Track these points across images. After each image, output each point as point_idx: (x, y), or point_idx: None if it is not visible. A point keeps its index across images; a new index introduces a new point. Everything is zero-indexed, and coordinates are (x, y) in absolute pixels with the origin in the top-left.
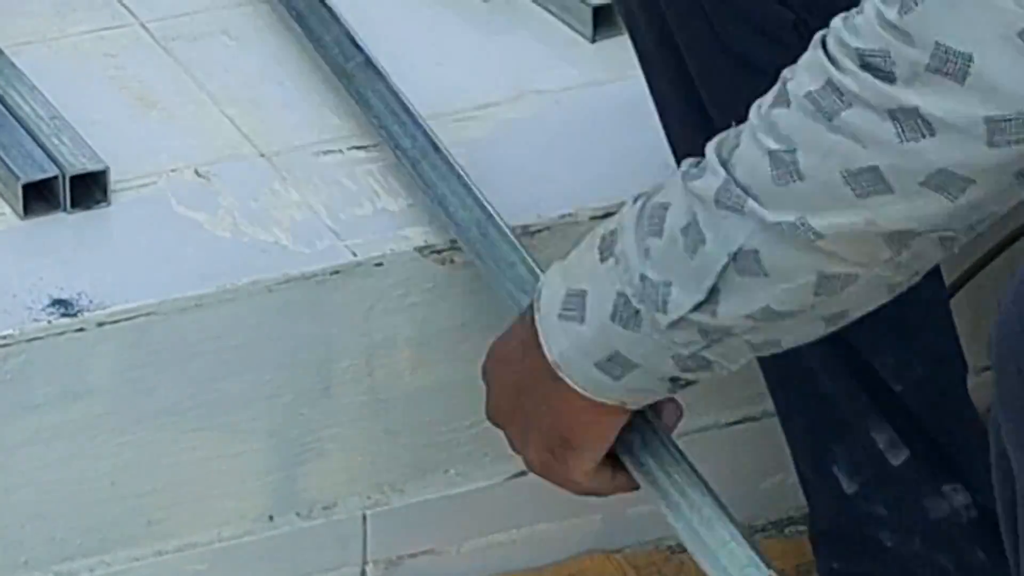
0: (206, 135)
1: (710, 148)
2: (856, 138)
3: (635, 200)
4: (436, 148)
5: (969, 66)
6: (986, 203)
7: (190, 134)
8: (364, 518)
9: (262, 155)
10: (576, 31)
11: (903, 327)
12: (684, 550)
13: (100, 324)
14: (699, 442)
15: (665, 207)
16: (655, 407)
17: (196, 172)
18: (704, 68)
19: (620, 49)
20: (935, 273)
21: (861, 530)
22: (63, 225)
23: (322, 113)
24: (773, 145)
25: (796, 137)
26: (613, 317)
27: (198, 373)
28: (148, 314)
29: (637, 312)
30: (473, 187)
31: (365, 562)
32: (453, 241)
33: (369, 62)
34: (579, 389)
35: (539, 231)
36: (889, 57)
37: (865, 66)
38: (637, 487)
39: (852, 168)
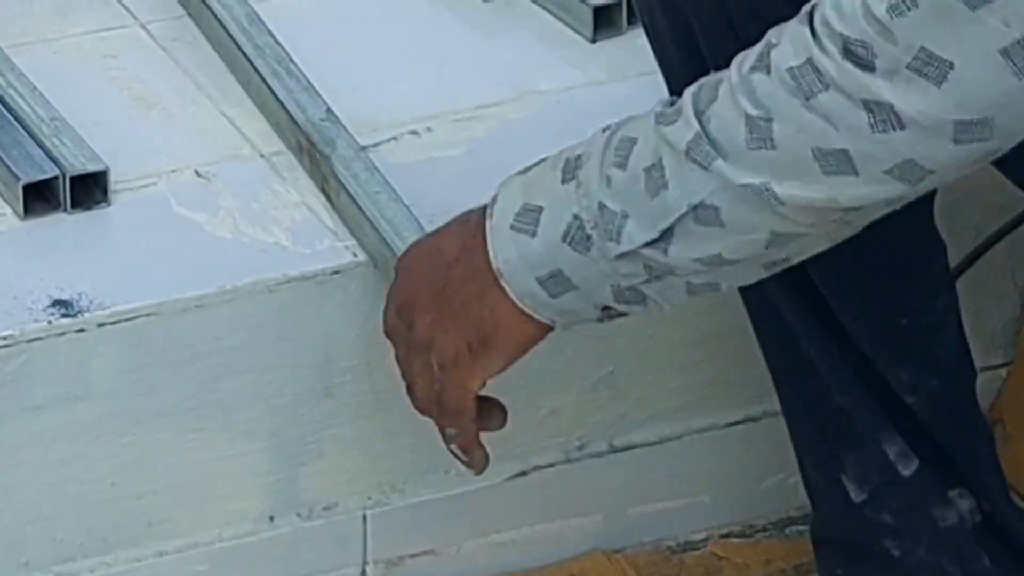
0: (206, 136)
1: (687, 95)
2: (829, 120)
3: (604, 130)
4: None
5: (948, 72)
6: (940, 184)
7: (190, 135)
8: (364, 518)
9: (262, 156)
10: (576, 31)
11: (918, 341)
12: (684, 550)
13: (100, 325)
14: (699, 442)
15: (632, 141)
16: (482, 406)
17: (196, 173)
18: None
19: (621, 49)
20: (948, 281)
21: (867, 538)
22: (63, 226)
23: None
24: (751, 110)
25: (773, 107)
26: (564, 237)
27: (198, 373)
28: (148, 314)
29: (588, 237)
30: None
31: (365, 562)
32: None
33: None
34: (515, 299)
35: None
36: (871, 49)
37: (846, 53)
38: (485, 462)
39: (823, 148)
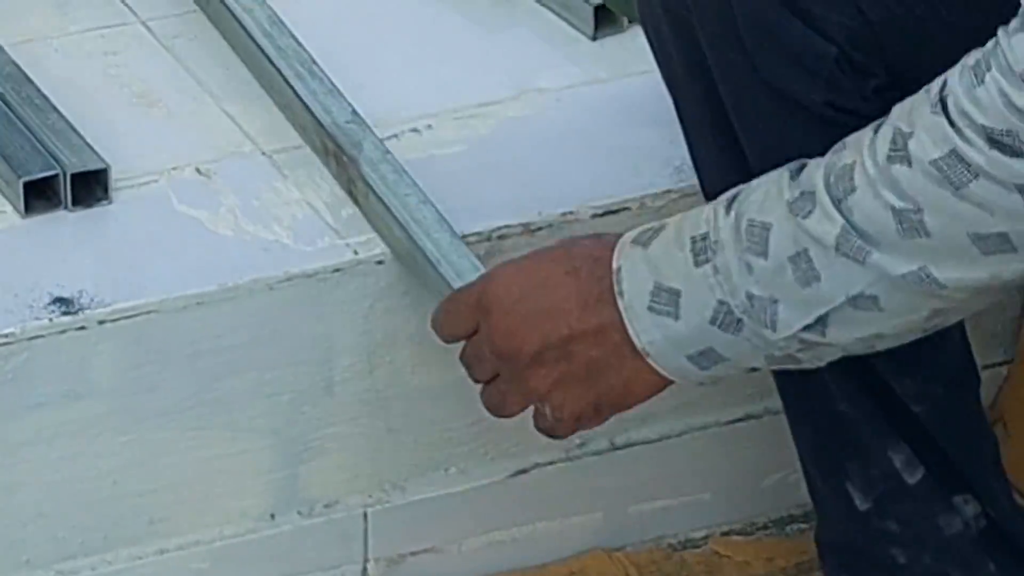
0: (207, 133)
1: (818, 180)
2: (983, 207)
3: (727, 207)
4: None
5: None
6: None
7: (191, 132)
8: (365, 516)
9: (263, 153)
10: (577, 29)
11: (924, 350)
12: (685, 548)
13: (101, 322)
14: (700, 440)
15: (766, 227)
16: None
17: (197, 170)
18: (739, 99)
19: (621, 47)
20: None
21: (873, 546)
22: (64, 223)
23: None
24: (897, 203)
25: (922, 199)
26: (713, 321)
27: (199, 371)
28: (149, 312)
29: (739, 320)
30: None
31: (366, 560)
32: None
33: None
34: (663, 373)
35: (539, 229)
36: (1018, 137)
37: (993, 143)
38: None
39: (980, 232)
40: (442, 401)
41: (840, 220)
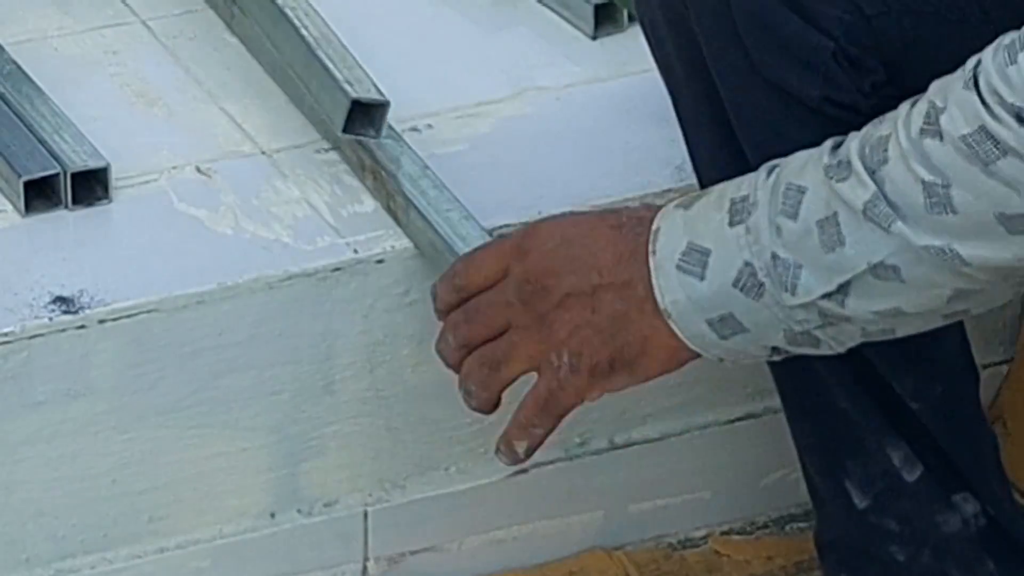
0: (207, 132)
1: (853, 150)
2: (1011, 186)
3: (769, 172)
4: None
5: None
6: None
7: (191, 131)
8: (365, 515)
9: (263, 152)
10: (577, 28)
11: (923, 348)
12: (685, 547)
13: (101, 321)
14: (700, 439)
15: (802, 191)
16: None
17: (197, 169)
18: (736, 94)
19: (621, 46)
20: None
21: (872, 544)
22: (64, 222)
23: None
24: (927, 176)
25: (950, 174)
26: (736, 283)
27: (199, 370)
28: (149, 311)
29: (761, 284)
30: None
31: (366, 559)
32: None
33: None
34: (683, 337)
35: None
36: None
37: (1022, 121)
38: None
39: (1007, 212)
40: (442, 400)
41: (872, 187)
